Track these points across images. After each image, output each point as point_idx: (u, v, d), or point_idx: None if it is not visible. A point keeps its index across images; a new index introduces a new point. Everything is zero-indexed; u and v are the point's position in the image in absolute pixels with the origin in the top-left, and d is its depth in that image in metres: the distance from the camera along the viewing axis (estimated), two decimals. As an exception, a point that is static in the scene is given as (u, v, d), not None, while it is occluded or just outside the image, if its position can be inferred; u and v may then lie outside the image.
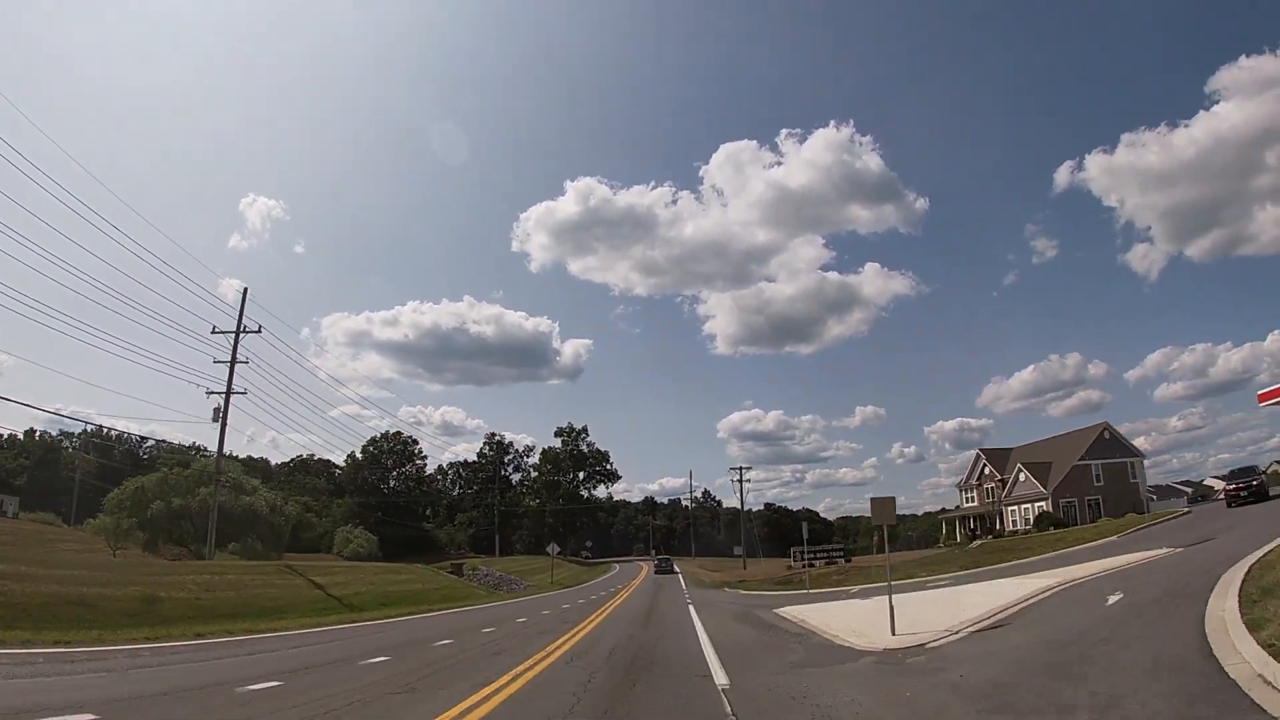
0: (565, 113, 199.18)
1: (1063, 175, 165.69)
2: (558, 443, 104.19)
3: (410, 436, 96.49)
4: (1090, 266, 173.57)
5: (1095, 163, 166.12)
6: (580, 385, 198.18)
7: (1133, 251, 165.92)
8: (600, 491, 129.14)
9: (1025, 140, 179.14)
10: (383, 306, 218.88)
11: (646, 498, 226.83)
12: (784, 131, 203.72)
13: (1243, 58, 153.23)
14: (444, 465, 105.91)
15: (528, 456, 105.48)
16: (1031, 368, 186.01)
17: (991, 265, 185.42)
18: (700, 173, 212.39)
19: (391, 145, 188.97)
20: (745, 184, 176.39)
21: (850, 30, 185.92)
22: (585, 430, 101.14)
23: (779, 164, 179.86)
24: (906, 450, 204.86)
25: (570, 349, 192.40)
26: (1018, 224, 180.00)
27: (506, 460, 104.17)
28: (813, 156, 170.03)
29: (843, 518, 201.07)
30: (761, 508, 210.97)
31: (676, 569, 72.67)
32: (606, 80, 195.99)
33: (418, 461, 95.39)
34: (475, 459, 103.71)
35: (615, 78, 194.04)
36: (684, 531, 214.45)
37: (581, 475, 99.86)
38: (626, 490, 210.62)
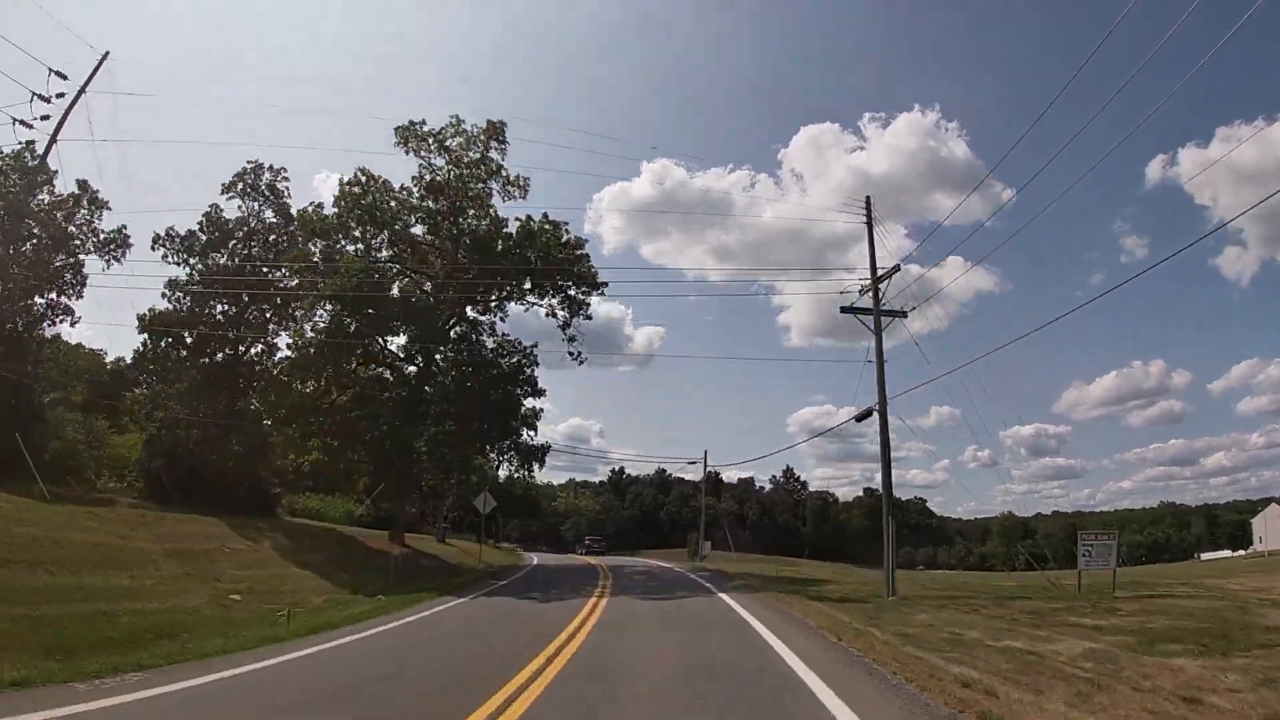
0: (643, 92, 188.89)
1: (1155, 170, 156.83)
2: (411, 166, 40.64)
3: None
4: (1179, 269, 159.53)
5: (1188, 157, 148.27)
6: (651, 372, 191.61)
7: (1224, 255, 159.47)
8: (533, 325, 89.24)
9: (1118, 130, 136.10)
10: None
11: (710, 474, 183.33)
12: (867, 115, 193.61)
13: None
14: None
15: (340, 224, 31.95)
16: (1114, 374, 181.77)
17: (1078, 263, 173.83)
18: (779, 156, 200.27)
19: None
20: (826, 168, 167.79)
21: (937, 11, 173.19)
22: (500, 133, 32.58)
23: (861, 149, 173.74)
24: (980, 454, 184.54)
25: (642, 335, 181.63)
26: (1106, 220, 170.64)
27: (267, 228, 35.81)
28: (896, 141, 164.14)
29: (976, 518, 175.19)
30: (861, 494, 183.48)
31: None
32: (685, 59, 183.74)
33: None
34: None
35: (694, 56, 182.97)
36: (760, 520, 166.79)
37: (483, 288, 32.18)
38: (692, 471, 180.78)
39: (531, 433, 72.70)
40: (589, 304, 32.85)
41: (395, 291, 30.44)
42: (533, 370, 32.09)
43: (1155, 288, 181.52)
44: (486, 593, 19.05)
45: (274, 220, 38.10)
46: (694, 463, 46.34)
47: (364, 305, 28.07)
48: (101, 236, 38.68)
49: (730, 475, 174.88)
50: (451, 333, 32.01)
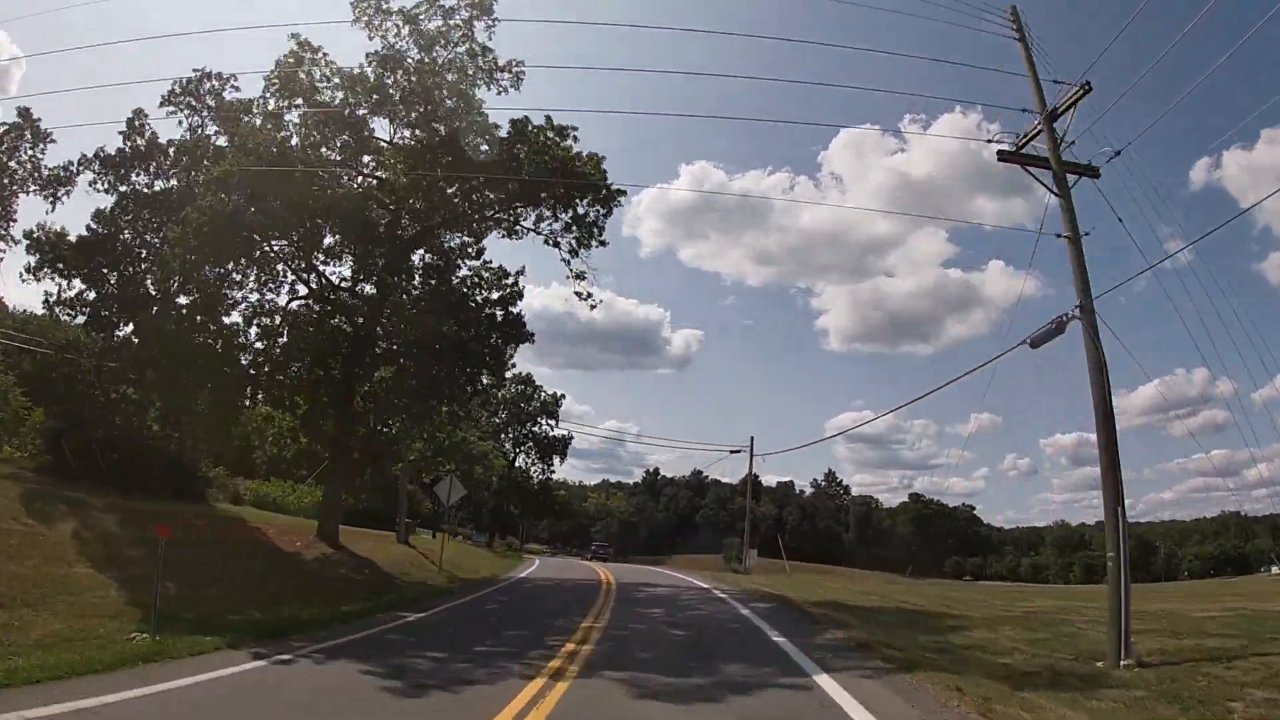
0: (681, 93, 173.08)
1: (1199, 173, 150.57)
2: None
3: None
4: (1222, 274, 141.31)
5: (1233, 160, 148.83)
6: (688, 375, 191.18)
7: (1268, 260, 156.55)
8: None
9: (1161, 132, 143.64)
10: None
11: (780, 482, 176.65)
12: (907, 116, 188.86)
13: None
14: None
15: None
16: (1156, 382, 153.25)
17: (1121, 269, 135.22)
18: (819, 158, 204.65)
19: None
20: (866, 171, 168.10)
21: (976, 10, 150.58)
22: (488, 6, 22.50)
23: (902, 151, 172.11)
24: (1020, 463, 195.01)
25: (680, 338, 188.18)
26: (1151, 224, 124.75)
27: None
28: (937, 143, 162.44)
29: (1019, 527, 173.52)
30: (906, 499, 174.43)
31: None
32: (724, 61, 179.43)
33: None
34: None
35: (734, 58, 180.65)
36: (800, 525, 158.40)
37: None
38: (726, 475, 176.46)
39: (551, 423, 62.14)
40: (603, 225, 24.09)
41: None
42: (517, 308, 23.60)
43: (1197, 293, 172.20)
44: (355, 640, 9.95)
45: (221, 143, 30.47)
46: (737, 451, 37.27)
47: (265, 190, 19.53)
48: (45, 173, 31.89)
49: (769, 479, 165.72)
50: (416, 259, 23.68)
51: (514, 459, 65.86)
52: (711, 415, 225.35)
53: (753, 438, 36.28)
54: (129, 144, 29.30)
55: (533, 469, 68.35)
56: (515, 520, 73.19)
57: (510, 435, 65.47)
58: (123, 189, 29.65)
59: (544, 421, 66.50)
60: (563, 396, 68.35)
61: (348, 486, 25.90)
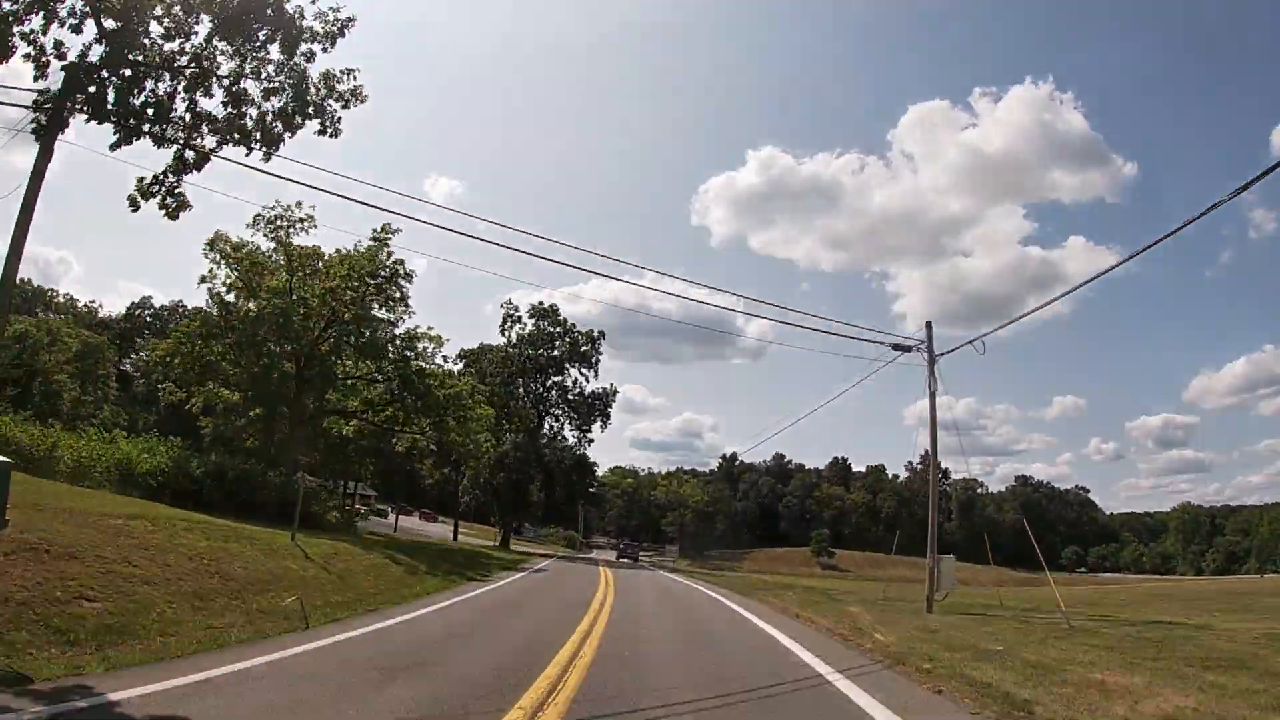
0: (746, 77, 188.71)
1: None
2: None
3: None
4: None
5: None
6: (764, 365, 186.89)
7: None
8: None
9: (1242, 95, 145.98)
10: (565, 283, 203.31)
11: (838, 460, 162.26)
12: (977, 90, 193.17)
13: None
14: None
15: None
16: (1244, 359, 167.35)
17: (1205, 240, 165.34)
18: (888, 137, 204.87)
19: (569, 119, 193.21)
20: (937, 148, 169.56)
21: None
22: None
23: (973, 125, 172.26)
24: (1104, 447, 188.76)
25: (755, 328, 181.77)
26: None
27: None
28: (1009, 116, 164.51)
29: (1128, 514, 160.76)
30: (1013, 482, 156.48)
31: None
32: (788, 41, 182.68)
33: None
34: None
35: (797, 37, 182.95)
36: (897, 513, 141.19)
37: None
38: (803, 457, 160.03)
39: (588, 372, 45.49)
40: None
41: None
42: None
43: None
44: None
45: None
46: (906, 349, 19.12)
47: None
48: None
49: (858, 464, 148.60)
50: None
51: (539, 422, 49.51)
52: (793, 404, 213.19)
53: (929, 323, 19.09)
54: None
55: (561, 435, 51.00)
56: (535, 504, 55.16)
57: (530, 389, 49.11)
58: None
59: (578, 370, 49.91)
60: (602, 335, 51.38)
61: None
